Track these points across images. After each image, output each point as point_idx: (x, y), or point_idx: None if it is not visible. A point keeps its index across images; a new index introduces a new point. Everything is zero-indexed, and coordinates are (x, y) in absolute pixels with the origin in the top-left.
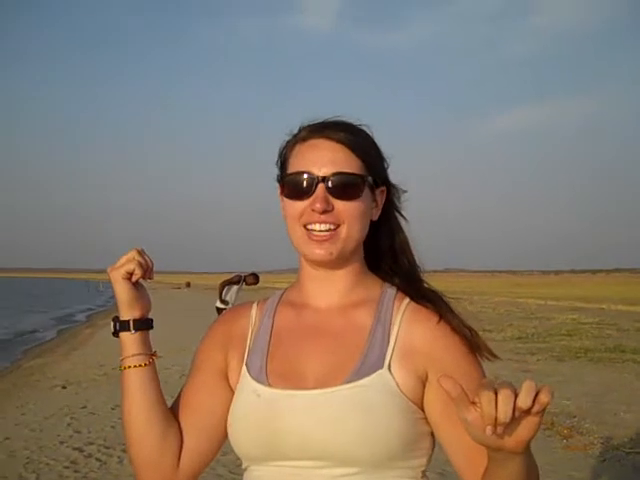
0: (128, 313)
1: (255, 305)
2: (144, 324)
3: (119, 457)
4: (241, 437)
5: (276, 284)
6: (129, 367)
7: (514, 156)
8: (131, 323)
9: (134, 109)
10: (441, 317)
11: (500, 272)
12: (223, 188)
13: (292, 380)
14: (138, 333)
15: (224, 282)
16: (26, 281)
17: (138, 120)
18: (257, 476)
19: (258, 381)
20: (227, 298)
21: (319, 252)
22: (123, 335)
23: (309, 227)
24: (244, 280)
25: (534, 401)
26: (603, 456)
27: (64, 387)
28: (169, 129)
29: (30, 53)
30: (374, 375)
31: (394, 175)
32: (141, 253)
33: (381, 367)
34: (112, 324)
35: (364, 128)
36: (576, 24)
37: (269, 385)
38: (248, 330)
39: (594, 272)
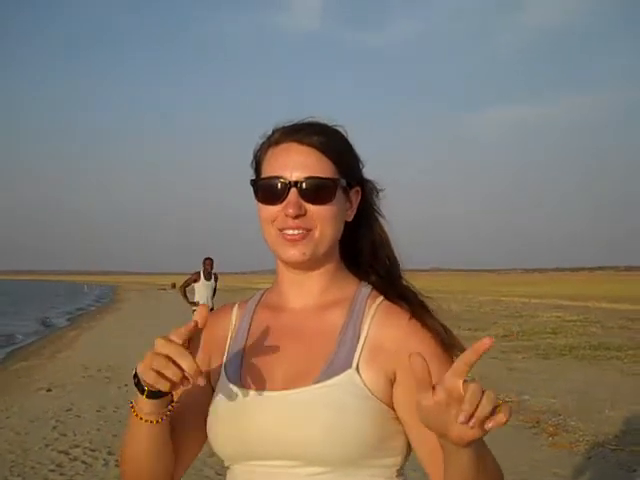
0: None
1: (236, 306)
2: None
3: (105, 460)
4: (217, 437)
5: (259, 284)
6: (140, 418)
7: (499, 155)
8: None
9: (123, 108)
10: (413, 315)
11: (483, 271)
12: (208, 187)
13: (263, 381)
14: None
15: (181, 286)
16: (6, 283)
17: (130, 118)
18: (233, 475)
19: (233, 382)
20: (196, 299)
21: (293, 253)
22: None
23: (283, 230)
24: (203, 270)
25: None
26: (588, 453)
27: (49, 390)
28: (158, 127)
29: (26, 52)
30: (342, 375)
31: (381, 174)
32: (170, 355)
33: (349, 367)
34: (133, 379)
35: (338, 129)
36: (566, 19)
37: (242, 386)
38: (228, 332)
39: (577, 270)
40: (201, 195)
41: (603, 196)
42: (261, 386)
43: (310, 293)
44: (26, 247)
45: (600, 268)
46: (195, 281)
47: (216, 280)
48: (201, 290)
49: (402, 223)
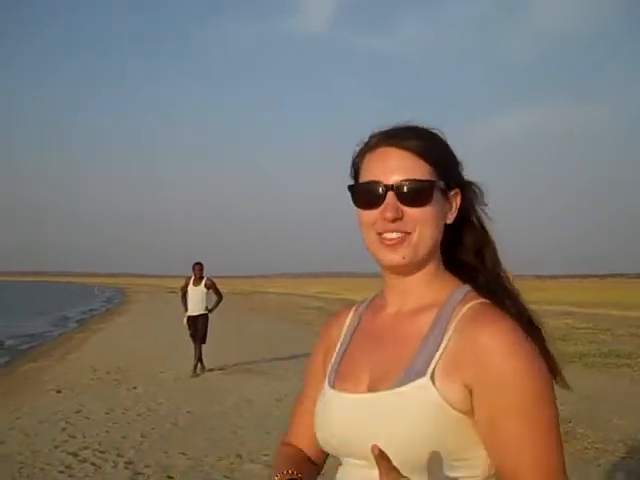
0: None
1: (353, 309)
2: None
3: (114, 462)
4: (317, 435)
5: (270, 288)
6: None
7: (507, 160)
8: None
9: (129, 114)
10: (511, 330)
11: None
12: (223, 192)
13: (351, 382)
14: None
15: (181, 293)
16: (14, 285)
17: (133, 126)
18: (339, 469)
19: (328, 383)
20: (188, 305)
21: (393, 257)
22: None
23: (382, 234)
24: (193, 276)
25: None
26: (598, 461)
27: (58, 391)
28: (162, 134)
29: (26, 54)
30: (416, 382)
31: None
32: None
33: (424, 375)
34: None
35: (436, 132)
36: (573, 27)
37: (332, 387)
38: (341, 334)
39: (588, 277)
40: (211, 198)
41: (616, 204)
42: (347, 388)
43: (407, 297)
44: (36, 248)
45: (610, 275)
46: (187, 286)
47: (208, 285)
48: (191, 296)
49: None
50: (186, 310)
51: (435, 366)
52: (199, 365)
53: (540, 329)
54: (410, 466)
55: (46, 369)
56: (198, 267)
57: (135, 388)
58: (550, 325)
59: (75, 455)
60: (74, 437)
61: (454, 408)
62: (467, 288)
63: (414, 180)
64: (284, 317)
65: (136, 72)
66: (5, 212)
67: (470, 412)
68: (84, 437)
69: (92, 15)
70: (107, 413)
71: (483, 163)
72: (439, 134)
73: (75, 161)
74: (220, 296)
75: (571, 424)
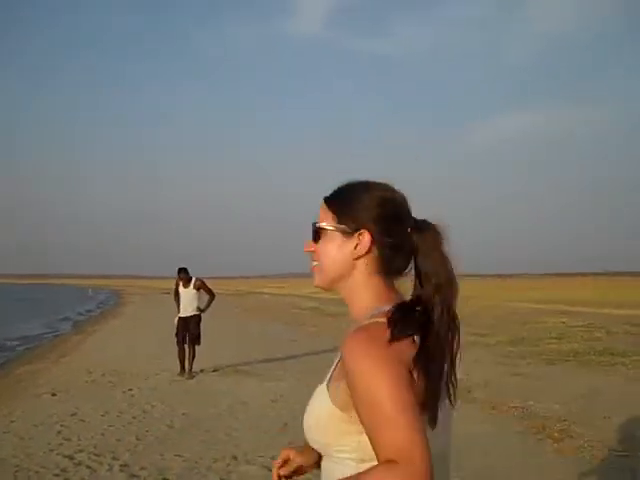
0: None
1: None
2: None
3: (109, 464)
4: None
5: (264, 289)
6: None
7: (508, 160)
8: None
9: (129, 114)
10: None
11: (488, 275)
12: (222, 192)
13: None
14: None
15: (174, 296)
16: (9, 287)
17: (135, 128)
18: None
19: None
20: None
21: (314, 279)
22: None
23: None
24: (180, 280)
25: None
26: (594, 459)
27: (53, 394)
28: (163, 136)
29: (26, 54)
30: (321, 387)
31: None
32: None
33: (324, 382)
34: None
35: (356, 187)
36: (572, 30)
37: None
38: None
39: (582, 275)
40: (210, 198)
41: (610, 204)
42: None
43: (349, 309)
44: (29, 250)
45: (604, 274)
46: (178, 287)
47: (197, 285)
48: (182, 297)
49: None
50: (179, 311)
51: (332, 374)
52: (185, 366)
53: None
54: (318, 447)
55: (41, 372)
56: (183, 274)
57: (130, 390)
58: (546, 324)
59: (71, 458)
60: (69, 440)
61: (339, 408)
62: (386, 308)
63: (314, 224)
64: (278, 318)
65: (135, 72)
66: (4, 213)
67: (350, 409)
68: (79, 440)
69: (92, 15)
70: (102, 416)
71: (483, 163)
72: (358, 189)
73: (74, 161)
74: (212, 295)
75: (566, 422)
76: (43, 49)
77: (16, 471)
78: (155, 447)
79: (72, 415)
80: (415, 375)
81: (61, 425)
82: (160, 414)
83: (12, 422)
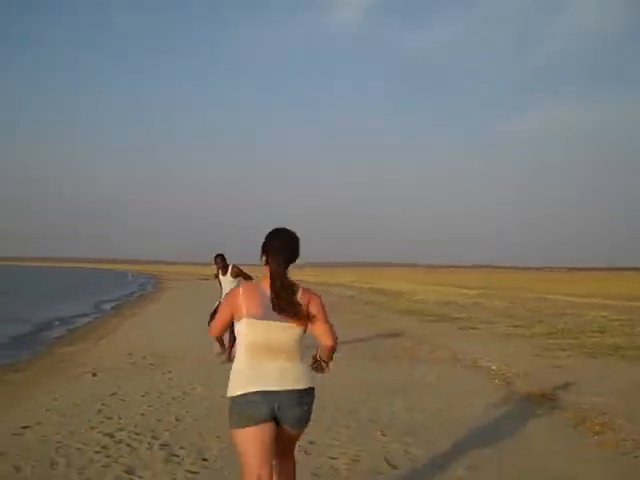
0: None
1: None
2: None
3: (149, 443)
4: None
5: (300, 276)
6: None
7: (538, 154)
8: None
9: (163, 111)
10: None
11: (528, 268)
12: (255, 181)
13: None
14: None
15: (216, 279)
16: (51, 271)
17: (171, 119)
18: None
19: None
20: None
21: None
22: None
23: None
24: (216, 268)
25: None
26: (635, 453)
27: (94, 375)
28: (194, 131)
29: (25, 55)
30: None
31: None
32: None
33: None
34: None
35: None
36: (604, 25)
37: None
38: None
39: (624, 270)
40: (243, 185)
41: None
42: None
43: None
44: (72, 234)
45: (636, 269)
46: (217, 276)
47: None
48: (222, 284)
49: (443, 220)
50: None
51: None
52: (223, 349)
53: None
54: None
55: (82, 353)
56: (219, 259)
57: (169, 372)
58: (585, 317)
59: (111, 436)
60: (110, 419)
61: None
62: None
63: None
64: None
65: (163, 67)
66: (53, 198)
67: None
68: (120, 419)
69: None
70: (142, 396)
71: (516, 157)
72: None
73: (127, 147)
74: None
75: (608, 415)
76: (44, 37)
77: (58, 447)
78: (194, 428)
79: (112, 395)
80: None
81: (102, 404)
82: (199, 396)
83: (54, 400)
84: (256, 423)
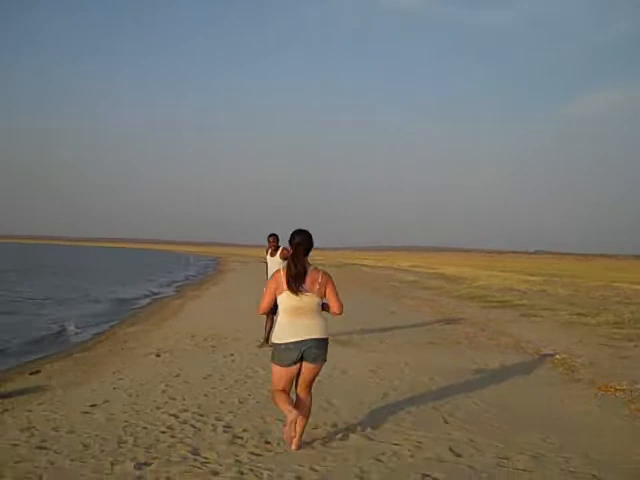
0: None
1: None
2: None
3: (213, 425)
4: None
5: (364, 261)
6: None
7: (602, 137)
8: None
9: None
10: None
11: (593, 255)
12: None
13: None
14: None
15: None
16: (113, 251)
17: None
18: None
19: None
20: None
21: None
22: None
23: None
24: (269, 247)
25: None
26: None
27: (158, 355)
28: (255, 109)
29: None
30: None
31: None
32: None
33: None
34: None
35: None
36: None
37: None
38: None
39: None
40: (305, 169)
41: None
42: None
43: None
44: (127, 216)
45: None
46: (267, 256)
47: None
48: (270, 266)
49: (506, 206)
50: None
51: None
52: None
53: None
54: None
55: (145, 334)
56: (272, 239)
57: (232, 355)
58: None
59: (176, 417)
60: (174, 399)
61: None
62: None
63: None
64: (377, 290)
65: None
66: (109, 181)
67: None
68: (184, 400)
69: None
70: (205, 378)
71: (592, 135)
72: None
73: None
74: None
75: None
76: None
77: (125, 426)
78: (257, 411)
79: (176, 376)
80: None
81: (166, 385)
82: (262, 379)
83: (120, 379)
84: (288, 365)
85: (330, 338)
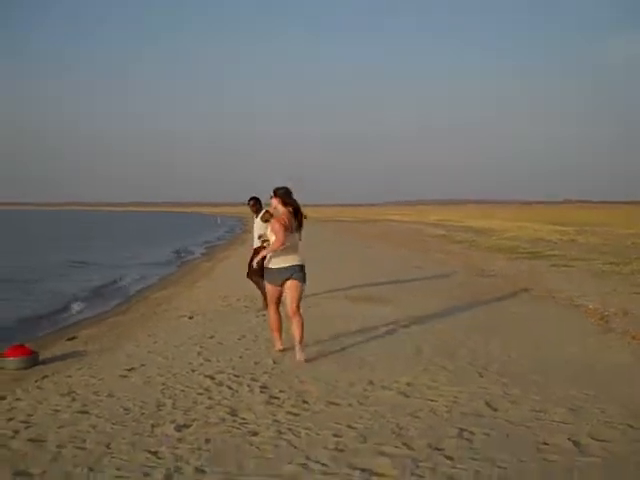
0: None
1: None
2: None
3: (249, 386)
4: None
5: (391, 216)
6: None
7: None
8: None
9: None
10: None
11: (623, 203)
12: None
13: None
14: None
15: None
16: (142, 215)
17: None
18: None
19: None
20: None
21: None
22: None
23: None
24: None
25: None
26: None
27: (191, 317)
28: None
29: None
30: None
31: None
32: None
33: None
34: None
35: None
36: None
37: None
38: None
39: None
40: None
41: None
42: None
43: None
44: (156, 178)
45: None
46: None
47: (264, 219)
48: (254, 227)
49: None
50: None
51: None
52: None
53: None
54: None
55: (176, 296)
56: (253, 202)
57: (264, 315)
58: None
59: (212, 378)
60: (209, 361)
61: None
62: None
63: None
64: (405, 244)
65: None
66: (144, 146)
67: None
68: (218, 361)
69: None
70: (239, 339)
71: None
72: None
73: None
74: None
75: None
76: None
77: (163, 389)
78: (293, 371)
79: (210, 337)
80: None
81: (200, 347)
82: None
83: (155, 343)
84: (279, 284)
85: (358, 293)
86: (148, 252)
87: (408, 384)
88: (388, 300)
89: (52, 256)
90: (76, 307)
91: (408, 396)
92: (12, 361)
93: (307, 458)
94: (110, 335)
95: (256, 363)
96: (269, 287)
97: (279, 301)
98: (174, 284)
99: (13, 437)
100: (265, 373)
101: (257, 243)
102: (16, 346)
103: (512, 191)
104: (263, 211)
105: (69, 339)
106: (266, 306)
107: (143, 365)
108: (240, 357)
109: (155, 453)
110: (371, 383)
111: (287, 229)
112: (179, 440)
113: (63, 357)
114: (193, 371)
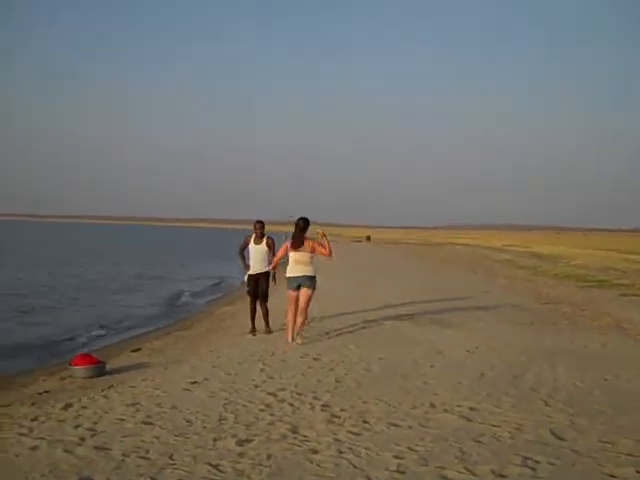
0: None
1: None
2: None
3: (311, 404)
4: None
5: (457, 240)
6: None
7: None
8: None
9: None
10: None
11: None
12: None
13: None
14: None
15: (240, 250)
16: (192, 231)
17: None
18: None
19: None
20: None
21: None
22: None
23: None
24: (254, 234)
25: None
26: None
27: (253, 334)
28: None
29: None
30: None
31: None
32: None
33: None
34: None
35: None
36: None
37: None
38: None
39: None
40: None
41: None
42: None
43: None
44: (205, 195)
45: None
46: (248, 244)
47: (269, 245)
48: (252, 254)
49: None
50: (245, 266)
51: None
52: (255, 325)
53: None
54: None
55: (241, 313)
56: (259, 225)
57: (327, 334)
58: None
59: (274, 395)
60: (272, 378)
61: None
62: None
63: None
64: (471, 269)
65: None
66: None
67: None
68: (281, 379)
69: None
70: (301, 357)
71: None
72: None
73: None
74: (274, 255)
75: None
76: None
77: (225, 404)
78: (354, 390)
79: (272, 355)
80: None
81: (263, 364)
82: (357, 358)
83: (218, 358)
84: (294, 290)
85: (425, 317)
86: (211, 267)
87: (471, 409)
88: (454, 324)
89: (129, 268)
90: (142, 319)
91: (470, 420)
92: (80, 370)
93: (368, 478)
94: (174, 348)
95: (318, 381)
96: (288, 291)
97: (297, 302)
98: (239, 300)
99: (79, 444)
100: (327, 392)
101: (259, 269)
102: (83, 355)
103: (577, 219)
104: (266, 237)
105: (134, 350)
106: (253, 329)
107: (206, 379)
108: (302, 375)
109: (216, 466)
110: (433, 406)
111: (293, 247)
112: (240, 455)
113: (128, 368)
114: (255, 387)
